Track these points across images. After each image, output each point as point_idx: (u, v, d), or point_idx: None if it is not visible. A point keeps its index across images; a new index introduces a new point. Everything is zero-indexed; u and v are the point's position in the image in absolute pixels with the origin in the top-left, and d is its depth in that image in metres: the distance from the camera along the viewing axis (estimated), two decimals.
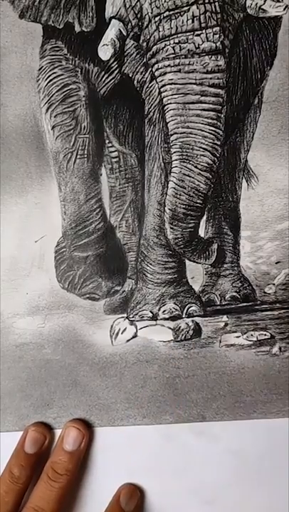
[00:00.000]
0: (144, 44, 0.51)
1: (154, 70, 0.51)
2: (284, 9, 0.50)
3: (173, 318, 0.56)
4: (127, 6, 0.50)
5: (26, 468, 0.52)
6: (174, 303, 0.56)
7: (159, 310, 0.56)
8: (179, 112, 0.51)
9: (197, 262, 0.56)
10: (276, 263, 0.55)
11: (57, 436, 0.55)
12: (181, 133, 0.51)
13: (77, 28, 0.52)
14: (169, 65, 0.50)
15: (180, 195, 0.53)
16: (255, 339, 0.55)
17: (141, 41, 0.51)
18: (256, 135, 0.54)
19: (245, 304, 0.57)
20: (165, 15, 0.49)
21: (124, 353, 0.55)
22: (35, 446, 0.54)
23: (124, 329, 0.56)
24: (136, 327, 0.56)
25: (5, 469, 0.53)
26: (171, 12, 0.49)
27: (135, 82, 0.54)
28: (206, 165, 0.52)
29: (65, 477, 0.51)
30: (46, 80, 0.53)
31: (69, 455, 0.53)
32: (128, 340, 0.55)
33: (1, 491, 0.51)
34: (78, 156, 0.55)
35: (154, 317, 0.56)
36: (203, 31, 0.49)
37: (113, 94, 0.55)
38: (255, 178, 0.54)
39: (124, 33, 0.50)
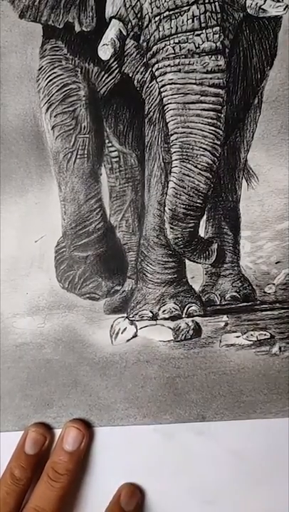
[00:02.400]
0: (144, 44, 0.51)
1: (154, 69, 0.51)
2: (284, 9, 0.50)
3: (173, 318, 0.56)
4: (127, 5, 0.50)
5: (27, 469, 0.52)
6: (174, 303, 0.56)
7: (159, 310, 0.56)
8: (179, 112, 0.51)
9: (197, 262, 0.56)
10: (276, 263, 0.55)
11: (57, 436, 0.55)
12: (181, 133, 0.51)
13: (77, 28, 0.52)
14: (169, 65, 0.50)
15: (180, 195, 0.53)
16: (255, 339, 0.55)
17: (141, 41, 0.51)
18: (256, 135, 0.54)
19: (245, 304, 0.57)
20: (165, 15, 0.49)
21: (124, 352, 0.55)
22: (36, 447, 0.54)
23: (124, 329, 0.56)
24: (136, 327, 0.56)
25: (5, 470, 0.53)
26: (171, 12, 0.49)
27: (135, 81, 0.54)
28: (205, 165, 0.52)
29: (65, 477, 0.51)
30: (46, 79, 0.53)
31: (69, 455, 0.53)
32: (128, 340, 0.55)
33: (2, 492, 0.51)
34: (78, 156, 0.55)
35: (154, 317, 0.56)
36: (204, 31, 0.49)
37: (113, 94, 0.55)
38: (255, 178, 0.54)
39: (124, 33, 0.50)
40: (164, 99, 0.51)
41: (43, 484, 0.51)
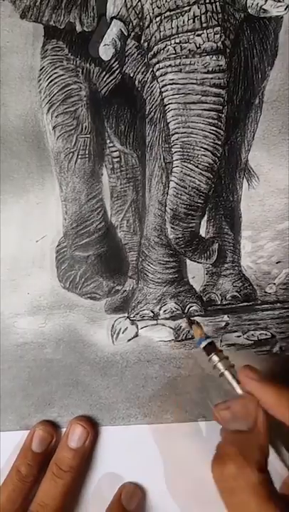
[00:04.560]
0: (145, 44, 0.51)
1: (155, 70, 0.51)
2: (285, 9, 0.50)
3: (174, 318, 0.56)
4: (128, 6, 0.50)
5: (33, 467, 0.53)
6: (175, 302, 0.56)
7: (159, 309, 0.56)
8: (179, 112, 0.51)
9: (198, 262, 0.56)
10: (277, 263, 0.55)
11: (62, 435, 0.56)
12: (182, 133, 0.51)
13: (78, 28, 0.52)
14: (170, 65, 0.50)
15: (181, 194, 0.53)
16: (255, 339, 0.55)
17: (142, 41, 0.51)
18: (257, 135, 0.54)
19: (245, 304, 0.57)
20: (166, 15, 0.49)
21: (125, 352, 0.55)
22: (42, 445, 0.54)
23: (125, 329, 0.56)
24: (137, 327, 0.56)
25: (12, 468, 0.53)
26: (172, 12, 0.49)
27: (136, 82, 0.54)
28: (206, 165, 0.52)
29: (68, 474, 0.51)
30: (47, 80, 0.53)
31: (73, 452, 0.53)
32: (129, 340, 0.56)
33: (8, 489, 0.51)
34: (79, 156, 0.55)
35: (155, 317, 0.56)
36: (204, 31, 0.49)
37: (114, 94, 0.55)
38: (256, 177, 0.54)
39: (126, 33, 0.50)
40: (165, 99, 0.51)
41: (47, 481, 0.52)
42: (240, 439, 0.42)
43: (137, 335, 0.56)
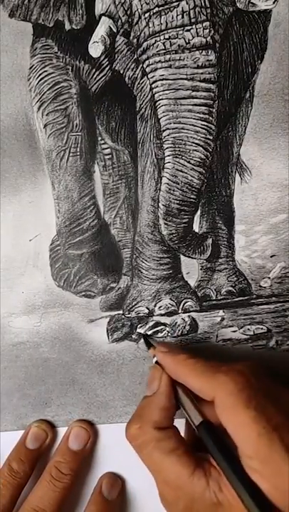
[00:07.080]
0: (135, 40, 0.51)
1: (144, 66, 0.51)
2: (273, 2, 0.50)
3: (169, 314, 0.56)
4: (117, 2, 0.50)
5: (25, 463, 0.52)
6: (170, 298, 0.56)
7: (155, 306, 0.56)
8: (170, 108, 0.51)
9: (192, 257, 0.56)
10: (271, 256, 0.55)
11: (58, 435, 0.55)
12: (173, 128, 0.51)
13: (67, 26, 0.52)
14: (159, 61, 0.50)
15: (173, 190, 0.53)
16: (251, 333, 0.55)
17: (131, 38, 0.51)
18: (248, 129, 0.54)
19: (241, 298, 0.57)
20: (155, 11, 0.49)
21: (121, 350, 0.55)
22: (37, 442, 0.54)
23: (121, 326, 0.56)
24: (132, 324, 0.56)
25: (4, 463, 0.53)
26: (161, 8, 0.49)
27: (126, 78, 0.54)
28: (198, 160, 0.52)
29: (69, 477, 0.51)
30: (37, 78, 0.53)
31: (74, 454, 0.53)
32: (125, 337, 0.55)
33: None
34: (71, 154, 0.55)
35: (150, 313, 0.56)
36: (193, 26, 0.49)
37: (105, 91, 0.55)
38: (248, 172, 0.54)
39: (115, 30, 0.50)
40: (156, 95, 0.51)
41: (44, 484, 0.51)
42: (143, 403, 0.47)
43: (132, 332, 0.56)
